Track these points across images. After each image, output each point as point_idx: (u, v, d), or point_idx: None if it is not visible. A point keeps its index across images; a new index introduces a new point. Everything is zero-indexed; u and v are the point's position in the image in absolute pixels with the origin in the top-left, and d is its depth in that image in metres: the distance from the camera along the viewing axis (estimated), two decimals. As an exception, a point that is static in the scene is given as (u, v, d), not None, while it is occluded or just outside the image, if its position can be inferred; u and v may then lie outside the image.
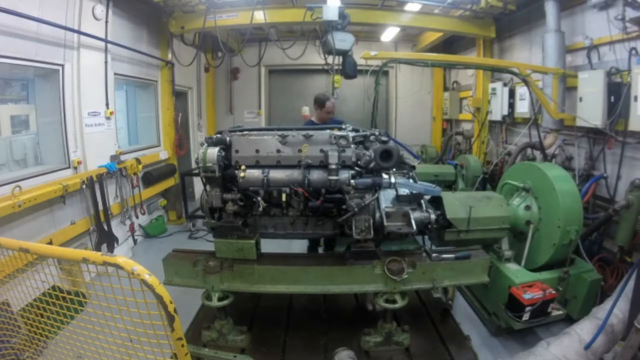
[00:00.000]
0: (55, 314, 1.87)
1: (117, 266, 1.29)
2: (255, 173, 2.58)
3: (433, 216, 2.62)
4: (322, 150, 2.55)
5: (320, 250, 4.28)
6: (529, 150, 5.41)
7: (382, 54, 4.85)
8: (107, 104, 4.95)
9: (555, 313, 3.16)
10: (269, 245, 2.98)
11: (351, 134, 2.61)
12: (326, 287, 2.73)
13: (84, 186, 4.39)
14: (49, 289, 1.92)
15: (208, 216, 2.83)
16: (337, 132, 2.58)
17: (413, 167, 3.02)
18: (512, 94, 6.15)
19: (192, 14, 6.31)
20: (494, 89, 6.39)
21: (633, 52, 3.89)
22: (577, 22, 4.81)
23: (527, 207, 3.58)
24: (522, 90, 5.80)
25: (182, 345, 1.10)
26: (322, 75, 9.15)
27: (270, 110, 9.85)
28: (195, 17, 6.25)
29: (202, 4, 5.93)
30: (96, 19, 4.67)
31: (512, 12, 5.95)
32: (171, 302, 1.05)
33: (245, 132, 2.72)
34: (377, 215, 2.63)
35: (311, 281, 2.71)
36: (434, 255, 2.78)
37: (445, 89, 9.30)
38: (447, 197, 3.09)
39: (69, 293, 1.78)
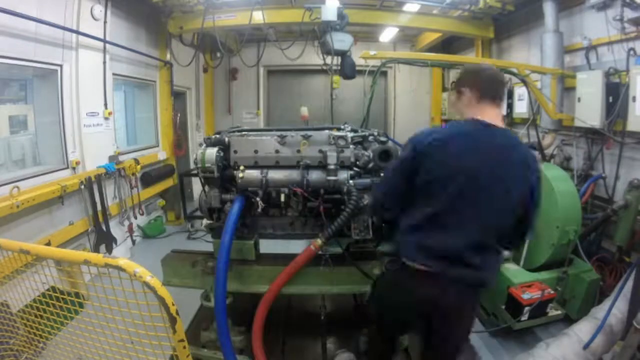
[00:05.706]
0: (55, 315, 1.87)
1: (119, 268, 1.29)
2: (254, 173, 2.57)
3: (432, 216, 2.62)
4: (320, 151, 2.55)
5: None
6: (527, 151, 5.42)
7: (381, 53, 4.85)
8: (105, 105, 4.93)
9: (553, 313, 3.18)
10: (268, 246, 2.98)
11: (350, 135, 2.61)
12: (326, 287, 2.73)
13: (83, 187, 4.37)
14: (48, 290, 1.91)
15: (207, 216, 2.82)
16: (335, 133, 2.59)
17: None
18: (510, 95, 6.15)
19: (190, 14, 6.30)
20: (492, 89, 6.39)
21: (631, 52, 3.91)
22: (575, 22, 4.82)
23: (526, 207, 3.59)
24: (520, 91, 5.81)
25: (184, 347, 1.10)
26: (321, 76, 9.15)
27: (269, 111, 9.84)
28: (194, 18, 6.23)
29: (201, 5, 5.93)
30: (95, 19, 4.66)
31: (510, 13, 5.96)
32: (173, 304, 1.05)
33: (244, 133, 2.72)
34: (377, 215, 2.63)
35: (310, 281, 2.70)
36: (433, 255, 2.78)
37: (444, 89, 9.31)
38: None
39: (68, 294, 1.77)
